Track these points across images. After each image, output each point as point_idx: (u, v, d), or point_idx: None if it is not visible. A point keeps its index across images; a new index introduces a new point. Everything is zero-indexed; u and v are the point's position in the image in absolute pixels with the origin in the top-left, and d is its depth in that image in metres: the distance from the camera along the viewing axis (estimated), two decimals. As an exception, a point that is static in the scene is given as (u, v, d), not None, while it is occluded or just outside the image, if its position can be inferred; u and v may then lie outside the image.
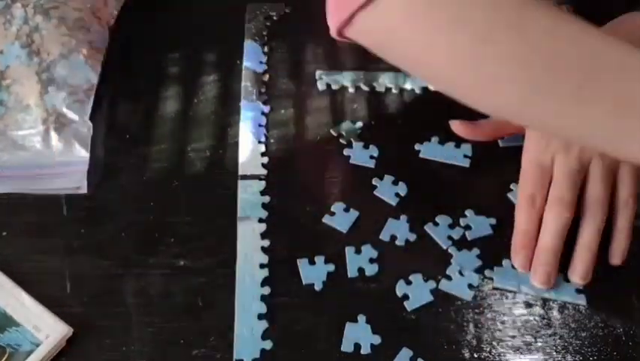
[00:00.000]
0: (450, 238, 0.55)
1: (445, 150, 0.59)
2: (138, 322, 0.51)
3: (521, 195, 0.55)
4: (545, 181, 0.54)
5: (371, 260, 0.53)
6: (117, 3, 0.70)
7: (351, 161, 0.59)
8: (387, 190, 0.57)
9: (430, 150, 0.59)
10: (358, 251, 0.54)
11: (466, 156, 0.59)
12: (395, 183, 0.57)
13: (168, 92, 0.64)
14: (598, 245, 0.53)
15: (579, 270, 0.52)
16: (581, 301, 0.52)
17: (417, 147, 0.60)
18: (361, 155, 0.59)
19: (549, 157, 0.54)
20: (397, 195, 0.57)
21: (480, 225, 0.55)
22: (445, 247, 0.54)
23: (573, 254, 0.53)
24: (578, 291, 0.52)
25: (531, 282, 0.52)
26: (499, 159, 0.59)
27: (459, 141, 0.59)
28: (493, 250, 0.54)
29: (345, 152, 0.59)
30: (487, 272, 0.53)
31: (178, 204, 0.57)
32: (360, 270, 0.53)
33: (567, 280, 0.52)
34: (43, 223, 0.56)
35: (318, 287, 0.52)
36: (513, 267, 0.53)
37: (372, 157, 0.59)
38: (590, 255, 0.52)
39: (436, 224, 0.55)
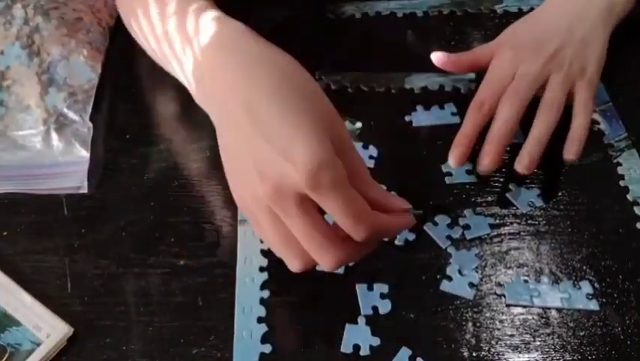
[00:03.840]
0: (449, 237, 0.55)
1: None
2: (138, 321, 0.51)
3: (474, 99, 0.58)
4: (499, 94, 0.58)
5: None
6: (117, 2, 0.70)
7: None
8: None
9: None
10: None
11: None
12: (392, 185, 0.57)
13: (168, 93, 0.64)
14: (547, 141, 0.56)
15: (525, 161, 0.56)
16: (594, 306, 0.52)
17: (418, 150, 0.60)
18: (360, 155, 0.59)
19: (511, 68, 0.58)
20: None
21: (478, 224, 0.56)
22: (444, 247, 0.54)
23: (522, 146, 0.56)
24: (589, 297, 0.52)
25: (477, 168, 0.56)
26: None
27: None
28: (492, 250, 0.55)
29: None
30: (498, 289, 0.52)
31: (178, 204, 0.57)
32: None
33: (578, 287, 0.52)
34: (44, 223, 0.56)
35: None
36: (525, 281, 0.53)
37: (371, 157, 0.59)
38: (538, 148, 0.56)
39: (435, 223, 0.56)
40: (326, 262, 0.43)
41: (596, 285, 0.53)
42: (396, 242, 0.54)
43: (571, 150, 0.57)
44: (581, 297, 0.52)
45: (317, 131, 0.41)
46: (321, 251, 0.43)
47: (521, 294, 0.52)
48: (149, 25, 0.54)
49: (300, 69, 0.45)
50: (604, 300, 0.52)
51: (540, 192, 0.58)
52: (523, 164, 0.56)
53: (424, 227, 0.55)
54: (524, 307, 0.52)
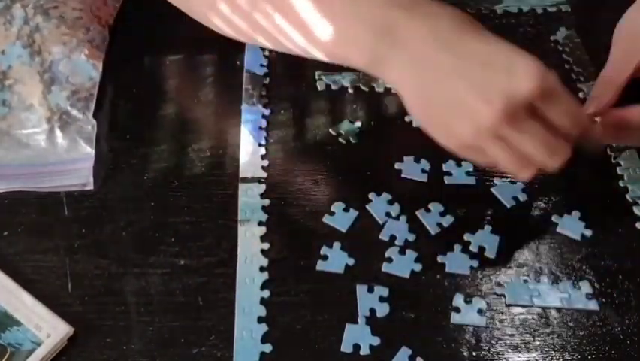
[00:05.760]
0: (439, 224, 0.55)
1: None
2: (138, 321, 0.51)
3: (601, 78, 0.58)
4: (626, 77, 0.57)
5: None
6: (116, 1, 0.70)
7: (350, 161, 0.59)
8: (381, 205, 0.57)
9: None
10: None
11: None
12: (391, 202, 0.57)
13: (168, 93, 0.65)
14: None
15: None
16: (593, 306, 0.52)
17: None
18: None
19: (636, 59, 0.57)
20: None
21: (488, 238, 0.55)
22: (433, 233, 0.55)
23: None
24: (588, 297, 0.52)
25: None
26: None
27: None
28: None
29: (345, 152, 0.60)
30: (497, 289, 0.52)
31: (178, 204, 0.57)
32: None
33: (578, 287, 0.53)
34: (44, 223, 0.56)
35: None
36: (524, 281, 0.53)
37: (424, 171, 0.59)
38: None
39: (428, 210, 0.56)
40: (558, 161, 0.47)
41: (596, 285, 0.53)
42: (397, 242, 0.54)
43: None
44: (581, 297, 0.52)
45: (518, 48, 0.45)
46: (552, 154, 0.47)
47: (521, 294, 0.52)
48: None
49: (472, 17, 0.48)
50: (604, 300, 0.52)
51: (525, 186, 0.58)
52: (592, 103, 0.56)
53: (416, 212, 0.56)
54: (524, 307, 0.52)
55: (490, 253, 0.54)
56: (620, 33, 0.60)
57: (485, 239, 0.55)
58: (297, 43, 0.50)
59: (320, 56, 0.50)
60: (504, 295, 0.52)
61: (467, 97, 0.44)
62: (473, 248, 0.54)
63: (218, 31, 0.53)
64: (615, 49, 0.60)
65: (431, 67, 0.46)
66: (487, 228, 0.56)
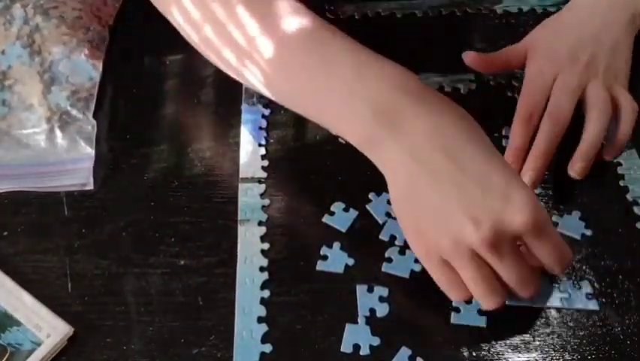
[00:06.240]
0: None
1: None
2: (138, 321, 0.51)
3: (519, 112, 0.58)
4: (543, 102, 0.57)
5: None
6: (116, 1, 0.70)
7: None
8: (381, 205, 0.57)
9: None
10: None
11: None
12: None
13: (168, 93, 0.65)
14: (600, 144, 0.56)
15: (579, 165, 0.56)
16: (594, 306, 0.52)
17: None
18: None
19: (551, 76, 0.58)
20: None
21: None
22: None
23: (576, 150, 0.56)
24: (588, 297, 0.52)
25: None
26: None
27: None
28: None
29: (345, 152, 0.60)
30: None
31: (178, 204, 0.57)
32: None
33: (578, 287, 0.53)
34: (44, 223, 0.56)
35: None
36: None
37: None
38: (593, 151, 0.56)
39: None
40: (529, 293, 0.48)
41: (596, 285, 0.53)
42: (397, 242, 0.54)
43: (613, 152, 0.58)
44: (581, 297, 0.52)
45: (518, 175, 0.47)
46: (528, 285, 0.47)
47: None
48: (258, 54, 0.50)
49: (474, 120, 0.47)
50: (604, 300, 0.52)
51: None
52: (576, 169, 0.56)
53: None
54: (524, 308, 0.52)
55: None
56: (534, 42, 0.61)
57: None
58: (291, 103, 0.51)
59: (320, 120, 0.51)
60: None
61: (457, 210, 0.44)
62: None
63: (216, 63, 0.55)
64: (521, 46, 0.61)
65: (427, 165, 0.45)
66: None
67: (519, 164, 0.56)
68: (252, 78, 0.51)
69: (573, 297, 0.52)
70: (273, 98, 0.53)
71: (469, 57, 0.61)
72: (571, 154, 0.57)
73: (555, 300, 0.52)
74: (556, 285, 0.53)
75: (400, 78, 0.47)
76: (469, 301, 0.50)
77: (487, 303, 0.47)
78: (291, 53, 0.49)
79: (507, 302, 0.49)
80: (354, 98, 0.47)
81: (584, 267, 0.54)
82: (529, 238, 0.45)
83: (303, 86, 0.49)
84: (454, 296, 0.48)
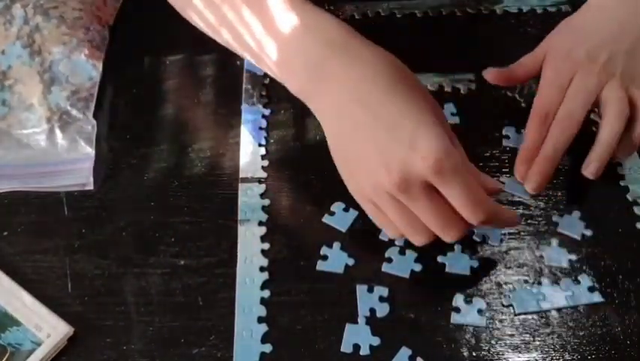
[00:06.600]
0: None
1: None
2: (138, 321, 0.51)
3: (535, 111, 0.57)
4: (559, 102, 0.57)
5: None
6: (116, 1, 0.70)
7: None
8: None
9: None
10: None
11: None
12: None
13: (168, 93, 0.65)
14: (615, 145, 0.56)
15: (594, 166, 0.56)
16: (598, 299, 0.52)
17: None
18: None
19: (568, 78, 0.57)
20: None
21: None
22: None
23: (591, 151, 0.56)
24: (591, 290, 0.52)
25: (526, 188, 0.56)
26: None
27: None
28: (492, 250, 0.55)
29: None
30: (504, 300, 0.52)
31: (178, 204, 0.57)
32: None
33: (577, 282, 0.53)
34: (44, 223, 0.56)
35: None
36: (525, 281, 0.53)
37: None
38: (608, 152, 0.55)
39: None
40: (449, 237, 0.48)
41: (596, 285, 0.53)
42: (397, 242, 0.54)
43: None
44: (584, 291, 0.52)
45: (434, 122, 0.46)
46: (445, 229, 0.48)
47: (528, 300, 0.52)
48: (215, 10, 0.54)
49: (404, 67, 0.50)
50: (604, 300, 0.52)
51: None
52: (591, 169, 0.56)
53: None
54: (533, 313, 0.52)
55: (494, 241, 0.55)
56: (552, 46, 0.60)
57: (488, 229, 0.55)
58: (252, 53, 0.54)
59: (269, 72, 0.54)
60: (512, 306, 0.52)
61: (371, 156, 0.47)
62: (477, 237, 0.55)
63: (193, 23, 0.58)
64: (538, 53, 0.60)
65: (347, 117, 0.48)
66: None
67: (530, 163, 0.56)
68: (202, 24, 0.57)
69: (577, 293, 0.52)
70: (226, 45, 0.57)
71: (490, 75, 0.61)
72: (576, 155, 0.57)
73: (560, 300, 0.52)
74: (558, 286, 0.53)
75: (330, 30, 0.50)
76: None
77: (414, 241, 0.50)
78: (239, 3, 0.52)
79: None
80: (289, 53, 0.51)
81: (584, 267, 0.54)
82: (436, 183, 0.46)
83: (245, 39, 0.53)
84: (389, 233, 0.52)
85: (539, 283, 0.53)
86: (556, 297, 0.52)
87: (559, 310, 0.52)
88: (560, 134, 0.56)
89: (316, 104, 0.51)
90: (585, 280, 0.53)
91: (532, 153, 0.56)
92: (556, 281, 0.53)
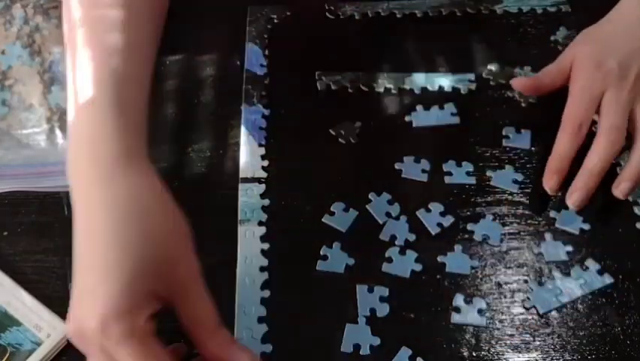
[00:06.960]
0: (440, 225, 0.55)
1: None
2: (139, 321, 0.51)
3: (568, 120, 0.57)
4: (593, 111, 0.57)
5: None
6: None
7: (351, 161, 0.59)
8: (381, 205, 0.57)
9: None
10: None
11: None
12: (391, 202, 0.57)
13: (168, 93, 0.65)
14: None
15: (626, 186, 0.55)
16: (609, 280, 0.53)
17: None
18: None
19: (600, 89, 0.57)
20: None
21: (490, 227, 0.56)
22: (433, 233, 0.55)
23: (621, 172, 0.56)
24: (600, 273, 0.53)
25: (567, 202, 0.56)
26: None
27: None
28: (492, 250, 0.55)
29: (345, 152, 0.60)
30: (527, 303, 0.52)
31: (178, 204, 0.57)
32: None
33: (585, 268, 0.53)
34: (44, 223, 0.56)
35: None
36: (525, 281, 0.53)
37: (424, 171, 0.59)
38: (638, 172, 0.55)
39: (428, 210, 0.56)
40: None
41: (604, 265, 0.53)
42: (397, 242, 0.54)
43: None
44: (595, 276, 0.53)
45: (122, 282, 0.41)
46: None
47: (548, 299, 0.52)
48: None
49: (171, 217, 0.46)
50: (604, 300, 0.52)
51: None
52: (622, 188, 0.55)
53: (416, 212, 0.56)
54: (558, 310, 0.52)
55: (494, 241, 0.55)
56: (580, 53, 0.60)
57: (488, 227, 0.55)
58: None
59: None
60: (535, 307, 0.52)
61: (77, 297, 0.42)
62: (477, 237, 0.55)
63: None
64: (566, 61, 0.60)
65: (75, 247, 0.44)
66: (489, 217, 0.56)
67: (563, 172, 0.56)
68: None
69: (589, 281, 0.53)
70: None
71: (518, 84, 0.61)
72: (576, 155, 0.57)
73: (576, 290, 0.52)
74: (570, 276, 0.53)
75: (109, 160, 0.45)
76: None
77: None
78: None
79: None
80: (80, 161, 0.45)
81: (587, 253, 0.54)
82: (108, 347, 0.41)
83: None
84: None
85: (541, 285, 0.53)
86: (571, 288, 0.52)
87: (558, 310, 0.52)
88: (610, 147, 0.55)
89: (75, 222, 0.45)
90: (592, 265, 0.53)
91: (563, 164, 0.56)
92: (567, 273, 0.53)
